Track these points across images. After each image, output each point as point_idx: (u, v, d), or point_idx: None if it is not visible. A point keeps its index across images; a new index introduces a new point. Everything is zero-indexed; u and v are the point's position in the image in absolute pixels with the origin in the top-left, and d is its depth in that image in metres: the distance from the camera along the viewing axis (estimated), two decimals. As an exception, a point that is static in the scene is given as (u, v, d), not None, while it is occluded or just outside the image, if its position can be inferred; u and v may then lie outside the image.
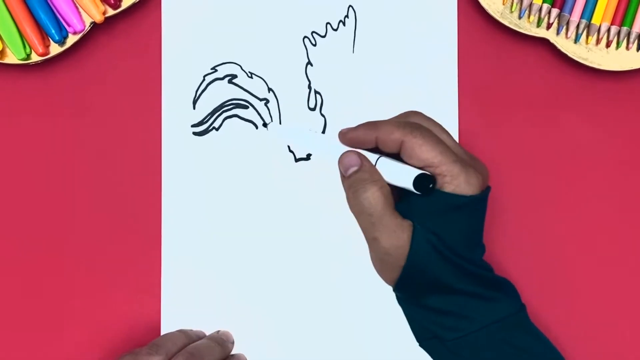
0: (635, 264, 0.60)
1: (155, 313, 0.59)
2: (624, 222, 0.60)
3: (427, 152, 0.44)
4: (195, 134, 0.59)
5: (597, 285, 0.59)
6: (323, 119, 0.59)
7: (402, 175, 0.45)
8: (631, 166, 0.60)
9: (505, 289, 0.47)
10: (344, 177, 0.47)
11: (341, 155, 0.47)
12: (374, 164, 0.46)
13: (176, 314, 0.59)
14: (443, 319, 0.46)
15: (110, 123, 0.60)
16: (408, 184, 0.44)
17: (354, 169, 0.46)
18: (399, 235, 0.44)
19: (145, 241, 0.59)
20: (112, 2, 0.57)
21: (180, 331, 0.57)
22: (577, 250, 0.60)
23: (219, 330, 0.58)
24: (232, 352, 0.58)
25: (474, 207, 0.45)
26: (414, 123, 0.46)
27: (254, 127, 0.59)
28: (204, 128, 0.59)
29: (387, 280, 0.47)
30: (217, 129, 0.59)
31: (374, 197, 0.45)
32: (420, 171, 0.44)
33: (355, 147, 0.47)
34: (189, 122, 0.59)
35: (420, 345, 0.48)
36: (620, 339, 0.59)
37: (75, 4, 0.57)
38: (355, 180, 0.46)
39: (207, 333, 0.58)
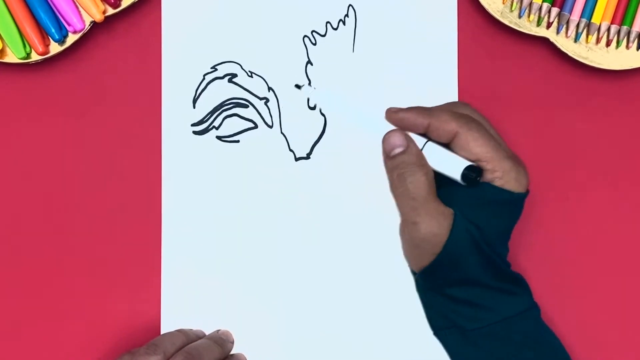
0: (635, 264, 0.59)
1: (155, 313, 0.59)
2: (624, 221, 0.60)
3: (480, 147, 0.44)
4: (195, 133, 0.59)
5: (598, 285, 0.59)
6: (323, 118, 0.59)
7: (450, 164, 0.44)
8: (631, 165, 0.60)
9: (523, 285, 0.48)
10: (388, 158, 0.46)
11: (386, 134, 0.46)
12: (420, 148, 0.45)
13: (176, 314, 0.58)
14: (465, 308, 0.46)
15: (110, 122, 0.60)
16: (455, 175, 0.43)
17: (400, 149, 0.45)
18: (440, 222, 0.44)
19: (145, 241, 0.59)
20: (112, 1, 0.57)
21: (180, 331, 0.57)
22: (576, 250, 0.59)
23: (218, 330, 0.58)
24: (232, 352, 0.58)
25: (517, 205, 0.45)
26: (468, 116, 0.46)
27: (253, 126, 0.59)
28: (204, 127, 0.59)
29: (414, 266, 0.47)
30: (217, 128, 0.59)
31: (419, 182, 0.44)
32: (470, 162, 0.44)
33: (402, 128, 0.46)
34: (189, 121, 0.59)
35: (435, 334, 0.48)
36: (630, 341, 0.59)
37: (75, 3, 0.57)
38: (401, 162, 0.45)
39: (207, 333, 0.58)
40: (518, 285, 0.47)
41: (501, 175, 0.44)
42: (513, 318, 0.46)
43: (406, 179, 0.44)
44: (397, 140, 0.45)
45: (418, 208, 0.44)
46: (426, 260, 0.45)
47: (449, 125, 0.45)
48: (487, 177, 0.44)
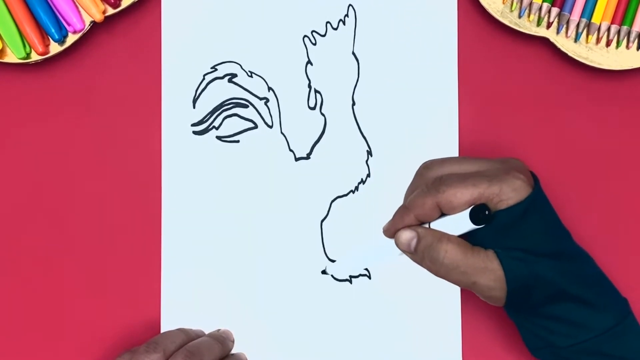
0: (635, 263, 0.60)
1: (155, 313, 0.59)
2: (624, 220, 0.60)
3: (462, 195, 0.44)
4: (195, 133, 0.59)
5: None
6: (323, 118, 0.59)
7: (458, 222, 0.45)
8: (631, 165, 0.60)
9: (608, 288, 0.48)
10: (413, 254, 0.47)
11: (396, 239, 0.47)
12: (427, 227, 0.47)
13: (176, 314, 0.59)
14: (557, 326, 0.47)
15: (110, 122, 0.60)
16: (468, 225, 0.44)
17: (415, 241, 0.46)
18: (490, 268, 0.45)
19: (145, 241, 0.59)
20: (112, 1, 0.57)
21: (180, 330, 0.57)
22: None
23: (219, 329, 0.58)
24: (232, 352, 0.58)
25: (535, 205, 0.45)
26: (434, 180, 0.46)
27: (253, 126, 0.59)
28: (204, 127, 0.59)
29: (497, 304, 0.48)
30: (217, 128, 0.59)
31: (450, 252, 0.45)
32: (469, 208, 0.44)
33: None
34: (188, 121, 0.59)
35: (534, 354, 0.49)
36: None
37: (75, 3, 0.57)
38: (424, 249, 0.46)
39: (207, 333, 0.58)
40: (600, 286, 0.48)
41: (499, 199, 0.44)
42: (605, 334, 0.46)
43: (438, 260, 0.45)
44: (406, 236, 0.47)
45: (467, 272, 0.45)
46: (502, 300, 0.46)
47: (427, 204, 0.45)
48: (492, 206, 0.44)
